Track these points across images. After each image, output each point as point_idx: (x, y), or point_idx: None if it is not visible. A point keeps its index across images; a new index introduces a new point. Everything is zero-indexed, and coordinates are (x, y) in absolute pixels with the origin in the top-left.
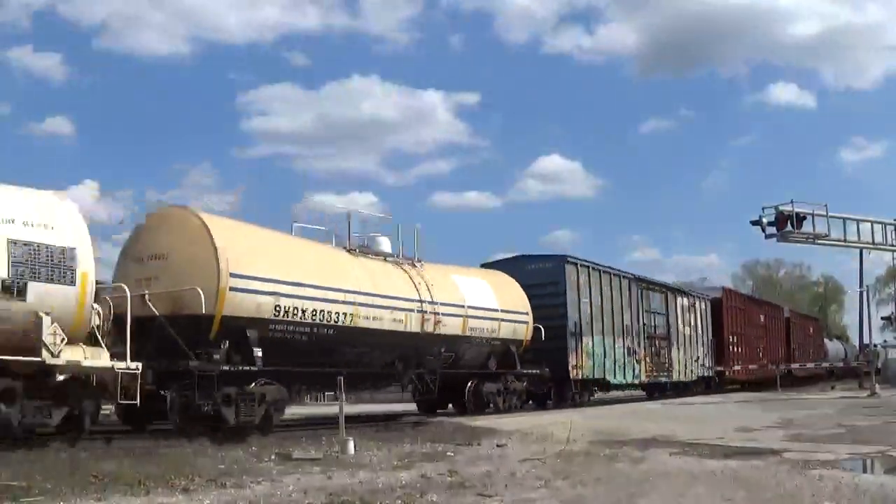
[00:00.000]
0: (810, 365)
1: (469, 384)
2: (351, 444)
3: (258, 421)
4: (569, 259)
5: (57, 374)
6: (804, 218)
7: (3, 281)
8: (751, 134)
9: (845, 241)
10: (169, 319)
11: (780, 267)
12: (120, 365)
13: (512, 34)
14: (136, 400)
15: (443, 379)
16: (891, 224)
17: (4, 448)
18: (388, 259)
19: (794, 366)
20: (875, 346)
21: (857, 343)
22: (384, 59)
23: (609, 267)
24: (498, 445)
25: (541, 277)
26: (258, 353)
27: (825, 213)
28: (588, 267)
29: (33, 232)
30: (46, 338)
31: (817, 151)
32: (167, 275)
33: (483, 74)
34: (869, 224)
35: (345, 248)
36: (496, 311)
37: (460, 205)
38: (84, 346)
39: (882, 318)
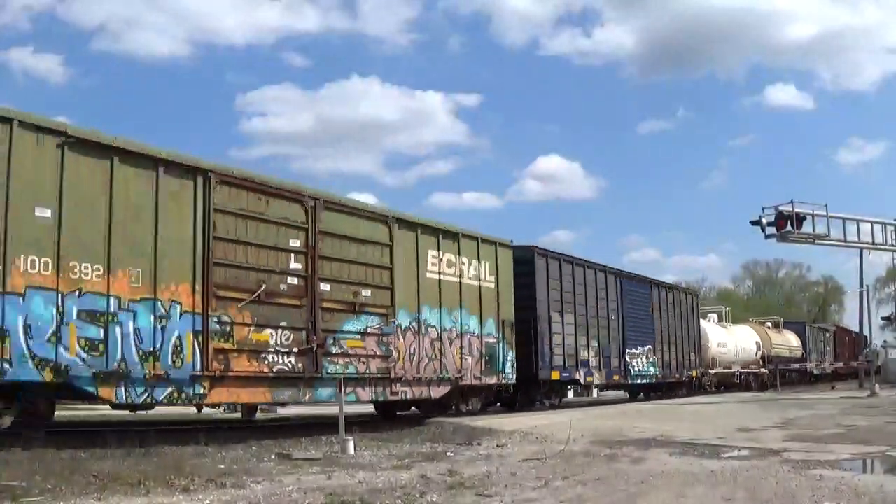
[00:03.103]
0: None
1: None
2: (351, 445)
3: None
4: (807, 324)
5: None
6: (804, 218)
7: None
8: (749, 135)
9: (845, 241)
10: None
11: (780, 267)
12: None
13: (510, 36)
14: None
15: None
16: (891, 224)
17: (4, 448)
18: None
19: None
20: (875, 344)
21: None
22: (383, 61)
23: (813, 324)
24: (498, 445)
25: (794, 330)
26: None
27: (825, 214)
28: (805, 323)
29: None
30: None
31: (816, 152)
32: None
33: (482, 76)
34: (869, 224)
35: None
36: (796, 346)
37: (460, 205)
38: None
39: (882, 318)
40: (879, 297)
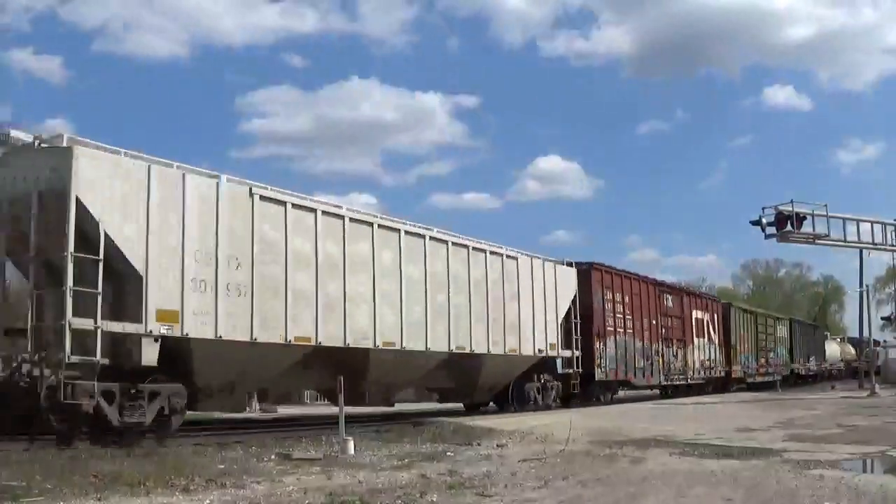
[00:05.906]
0: None
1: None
2: (351, 444)
3: None
4: (860, 340)
5: None
6: (804, 218)
7: None
8: (748, 135)
9: (845, 241)
10: None
11: (780, 267)
12: None
13: (508, 37)
14: None
15: None
16: (891, 224)
17: (4, 448)
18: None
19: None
20: (876, 341)
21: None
22: (382, 62)
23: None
24: (498, 445)
25: (852, 343)
26: None
27: (825, 214)
28: (858, 339)
29: None
30: None
31: (814, 152)
32: None
33: (481, 77)
34: (869, 224)
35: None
36: (854, 353)
37: (459, 205)
38: None
39: (882, 319)
40: (879, 297)
